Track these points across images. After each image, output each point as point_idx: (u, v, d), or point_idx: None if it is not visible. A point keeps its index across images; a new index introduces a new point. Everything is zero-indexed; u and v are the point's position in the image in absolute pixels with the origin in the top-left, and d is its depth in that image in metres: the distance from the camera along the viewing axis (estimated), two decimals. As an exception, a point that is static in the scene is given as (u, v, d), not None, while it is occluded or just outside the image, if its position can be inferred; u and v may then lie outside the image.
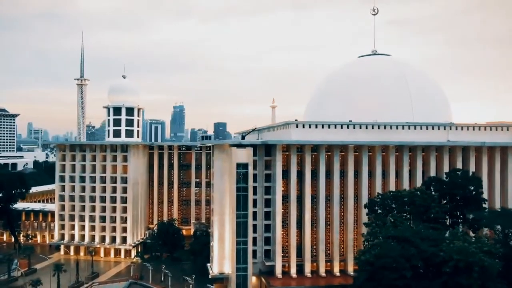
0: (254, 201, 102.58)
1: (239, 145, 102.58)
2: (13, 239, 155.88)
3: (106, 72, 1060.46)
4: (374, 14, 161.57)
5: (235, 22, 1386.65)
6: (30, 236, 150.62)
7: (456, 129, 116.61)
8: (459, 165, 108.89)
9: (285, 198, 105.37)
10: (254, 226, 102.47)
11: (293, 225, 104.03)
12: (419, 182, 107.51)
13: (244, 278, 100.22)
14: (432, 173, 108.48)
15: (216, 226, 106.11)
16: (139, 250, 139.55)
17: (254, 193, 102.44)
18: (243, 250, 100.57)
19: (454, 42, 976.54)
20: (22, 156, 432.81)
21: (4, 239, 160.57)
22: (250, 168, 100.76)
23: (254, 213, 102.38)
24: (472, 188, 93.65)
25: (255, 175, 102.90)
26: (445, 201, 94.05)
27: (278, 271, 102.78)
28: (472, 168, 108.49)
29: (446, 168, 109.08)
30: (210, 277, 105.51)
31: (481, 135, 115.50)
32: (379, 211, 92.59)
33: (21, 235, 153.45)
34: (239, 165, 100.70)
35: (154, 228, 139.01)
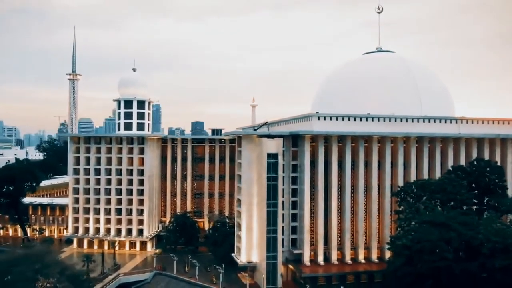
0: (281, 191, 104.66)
1: (267, 136, 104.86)
2: (19, 234, 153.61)
3: (83, 70, 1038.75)
4: (379, 12, 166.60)
5: (214, 22, 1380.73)
6: (41, 230, 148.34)
7: (467, 122, 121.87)
8: (474, 156, 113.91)
9: (311, 188, 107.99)
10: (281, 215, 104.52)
11: (321, 214, 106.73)
12: (438, 172, 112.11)
13: (273, 266, 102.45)
14: (450, 163, 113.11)
15: (244, 216, 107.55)
16: (154, 242, 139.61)
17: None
18: (273, 239, 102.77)
19: (451, 42, 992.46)
20: (2, 154, 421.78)
21: (10, 234, 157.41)
22: (280, 158, 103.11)
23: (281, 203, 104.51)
24: (494, 176, 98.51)
25: (282, 166, 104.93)
26: (468, 189, 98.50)
27: (306, 259, 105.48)
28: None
29: (462, 159, 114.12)
30: (238, 265, 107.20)
31: (489, 128, 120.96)
32: (408, 199, 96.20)
33: (28, 229, 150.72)
34: (269, 155, 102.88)
35: (171, 220, 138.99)
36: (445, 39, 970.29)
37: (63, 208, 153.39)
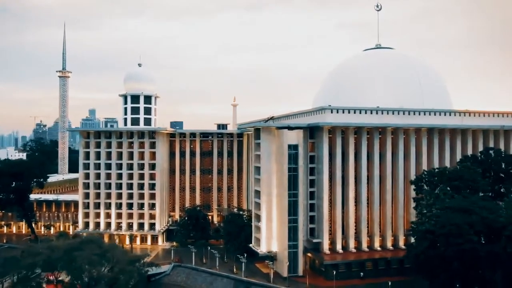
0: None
1: (287, 128, 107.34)
2: (23, 231, 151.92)
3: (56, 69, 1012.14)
4: (378, 10, 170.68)
5: (194, 21, 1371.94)
6: (48, 226, 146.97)
7: (470, 115, 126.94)
8: (480, 146, 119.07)
9: (329, 178, 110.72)
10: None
11: (339, 204, 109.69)
12: (447, 162, 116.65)
13: (294, 255, 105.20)
14: (458, 153, 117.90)
15: (264, 207, 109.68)
16: (165, 236, 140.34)
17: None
18: (294, 228, 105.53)
19: (451, 42, 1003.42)
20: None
21: (14, 231, 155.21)
22: (300, 149, 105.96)
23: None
24: (505, 164, 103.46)
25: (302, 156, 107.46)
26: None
27: (326, 247, 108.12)
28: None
29: (469, 150, 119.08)
30: (259, 255, 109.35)
31: (491, 121, 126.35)
32: (425, 187, 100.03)
33: (34, 226, 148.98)
34: (289, 147, 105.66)
35: (182, 214, 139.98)
36: (443, 39, 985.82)
37: (68, 204, 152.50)
